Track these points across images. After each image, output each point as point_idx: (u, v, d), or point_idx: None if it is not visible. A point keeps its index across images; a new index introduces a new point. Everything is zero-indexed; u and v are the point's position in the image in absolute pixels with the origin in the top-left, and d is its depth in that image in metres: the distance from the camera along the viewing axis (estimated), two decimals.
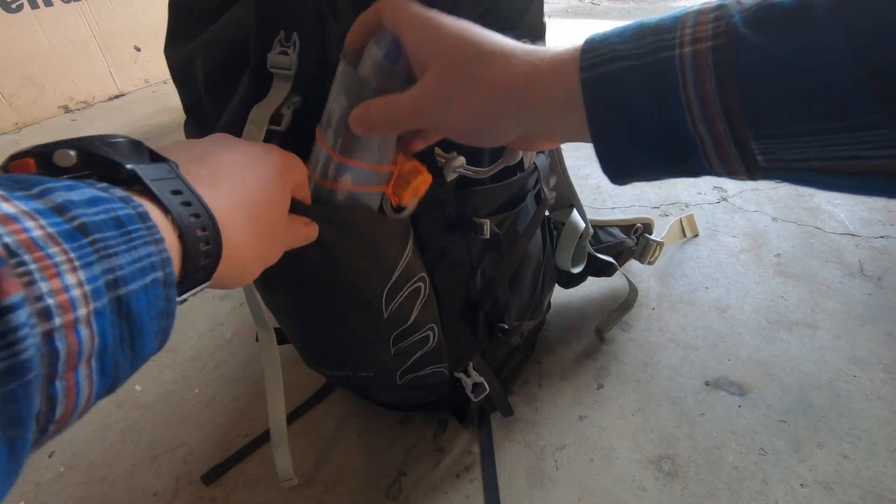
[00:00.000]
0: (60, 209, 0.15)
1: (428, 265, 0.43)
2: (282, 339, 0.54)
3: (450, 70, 0.25)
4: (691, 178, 0.23)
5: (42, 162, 0.18)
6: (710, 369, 0.66)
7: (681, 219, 0.85)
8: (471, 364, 0.53)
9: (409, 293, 0.42)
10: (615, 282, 0.79)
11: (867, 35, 0.17)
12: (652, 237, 0.75)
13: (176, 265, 0.19)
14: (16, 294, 0.13)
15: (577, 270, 0.63)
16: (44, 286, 0.13)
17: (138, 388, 0.69)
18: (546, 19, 0.42)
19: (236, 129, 0.32)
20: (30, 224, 0.14)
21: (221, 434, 0.62)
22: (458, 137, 0.28)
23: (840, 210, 0.93)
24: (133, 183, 0.19)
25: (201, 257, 0.21)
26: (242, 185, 0.25)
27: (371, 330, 0.44)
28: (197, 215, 0.21)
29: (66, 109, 1.71)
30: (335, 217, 0.33)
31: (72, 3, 1.64)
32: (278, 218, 0.28)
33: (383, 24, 0.28)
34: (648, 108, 0.21)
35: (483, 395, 0.53)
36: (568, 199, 0.61)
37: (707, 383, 0.64)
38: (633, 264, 0.80)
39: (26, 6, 1.53)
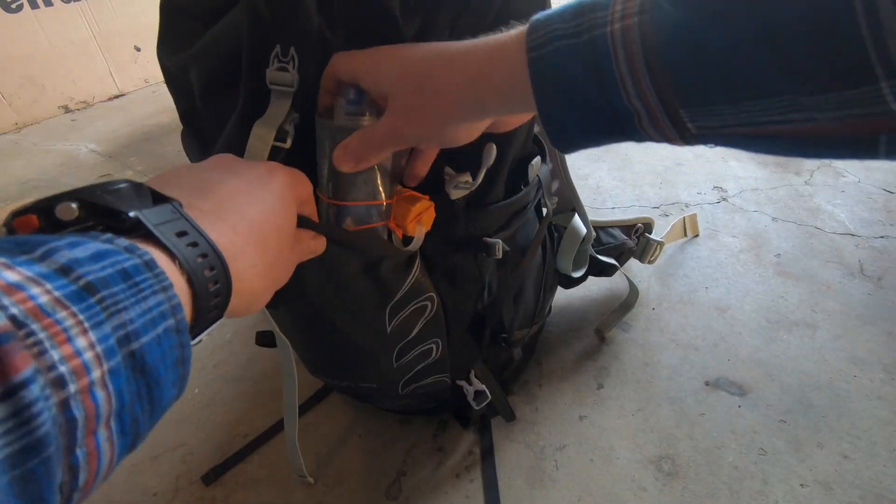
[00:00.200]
0: (65, 270, 0.15)
1: (437, 284, 0.43)
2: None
3: (411, 85, 0.28)
4: (633, 142, 0.25)
5: (45, 216, 0.18)
6: (710, 369, 0.66)
7: (683, 218, 0.85)
8: (472, 371, 0.53)
9: (415, 310, 0.43)
10: (615, 282, 0.79)
11: None
12: (652, 237, 0.75)
13: (187, 308, 0.19)
14: (27, 368, 0.12)
15: (578, 275, 0.63)
16: (55, 354, 0.13)
17: None
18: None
19: (237, 148, 0.31)
20: (35, 290, 0.14)
21: (221, 434, 0.62)
22: (438, 142, 0.30)
23: (840, 210, 0.93)
24: (137, 228, 0.19)
25: (212, 297, 0.21)
26: (249, 215, 0.25)
27: (373, 344, 0.44)
28: (204, 255, 0.20)
29: (66, 109, 1.71)
30: (338, 234, 0.33)
31: (72, 3, 1.64)
32: (285, 241, 0.28)
33: (340, 79, 0.31)
34: (586, 84, 0.23)
35: (485, 403, 0.53)
36: (570, 203, 0.60)
37: (707, 383, 0.64)
38: (633, 264, 0.80)
39: (26, 6, 1.53)
